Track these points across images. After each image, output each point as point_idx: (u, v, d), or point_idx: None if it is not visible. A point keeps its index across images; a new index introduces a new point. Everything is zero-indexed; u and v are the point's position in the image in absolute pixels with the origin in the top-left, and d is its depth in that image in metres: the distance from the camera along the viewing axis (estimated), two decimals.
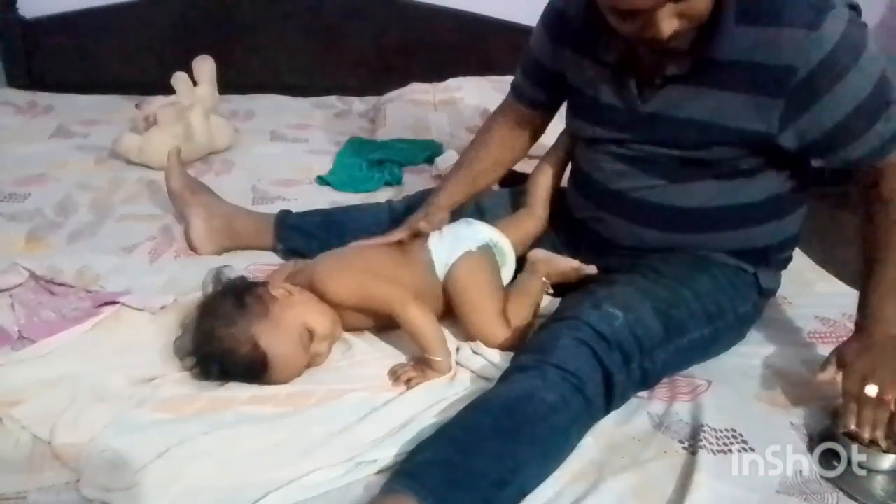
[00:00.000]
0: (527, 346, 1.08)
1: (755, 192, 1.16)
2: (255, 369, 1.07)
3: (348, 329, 1.20)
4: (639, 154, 1.18)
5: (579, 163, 1.31)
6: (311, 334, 1.10)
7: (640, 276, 1.16)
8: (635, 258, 1.22)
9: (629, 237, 1.23)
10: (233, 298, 1.11)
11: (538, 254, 1.32)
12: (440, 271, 1.24)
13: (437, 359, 1.10)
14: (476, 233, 1.30)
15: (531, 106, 1.38)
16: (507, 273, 1.32)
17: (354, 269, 1.20)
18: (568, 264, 1.27)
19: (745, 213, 1.18)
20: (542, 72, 1.32)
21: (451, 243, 1.26)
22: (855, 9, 1.03)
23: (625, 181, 1.20)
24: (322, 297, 1.16)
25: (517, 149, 1.43)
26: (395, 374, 1.10)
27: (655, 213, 1.19)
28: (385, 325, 1.20)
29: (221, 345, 1.06)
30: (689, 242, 1.20)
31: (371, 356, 1.17)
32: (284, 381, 1.09)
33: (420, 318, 1.12)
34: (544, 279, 1.28)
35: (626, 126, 1.18)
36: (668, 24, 0.97)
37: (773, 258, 1.24)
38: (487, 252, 1.28)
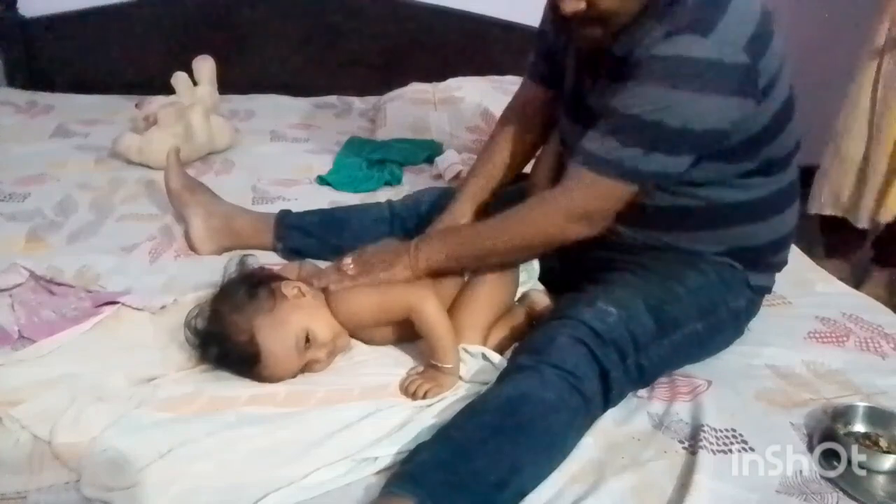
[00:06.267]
0: (524, 345, 1.08)
1: (714, 196, 1.14)
2: (247, 361, 1.07)
3: (372, 344, 1.20)
4: None
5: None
6: (310, 339, 1.10)
7: (630, 273, 1.15)
8: (627, 253, 1.20)
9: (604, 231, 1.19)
10: (247, 287, 1.12)
11: (538, 296, 1.31)
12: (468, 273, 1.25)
13: (448, 366, 1.09)
14: None
15: (539, 81, 1.35)
16: (528, 286, 1.32)
17: (366, 288, 1.18)
18: None
19: (708, 215, 1.16)
20: (545, 41, 1.30)
21: None
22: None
23: None
24: (347, 323, 1.16)
25: (527, 141, 1.38)
26: (407, 390, 1.08)
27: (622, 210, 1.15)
28: (406, 337, 1.19)
29: (222, 327, 1.08)
30: (658, 240, 1.19)
31: (371, 356, 1.17)
32: (275, 380, 1.09)
33: (437, 317, 1.11)
34: (533, 320, 1.27)
35: (578, 119, 1.17)
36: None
37: (761, 260, 1.22)
38: (514, 269, 1.28)
